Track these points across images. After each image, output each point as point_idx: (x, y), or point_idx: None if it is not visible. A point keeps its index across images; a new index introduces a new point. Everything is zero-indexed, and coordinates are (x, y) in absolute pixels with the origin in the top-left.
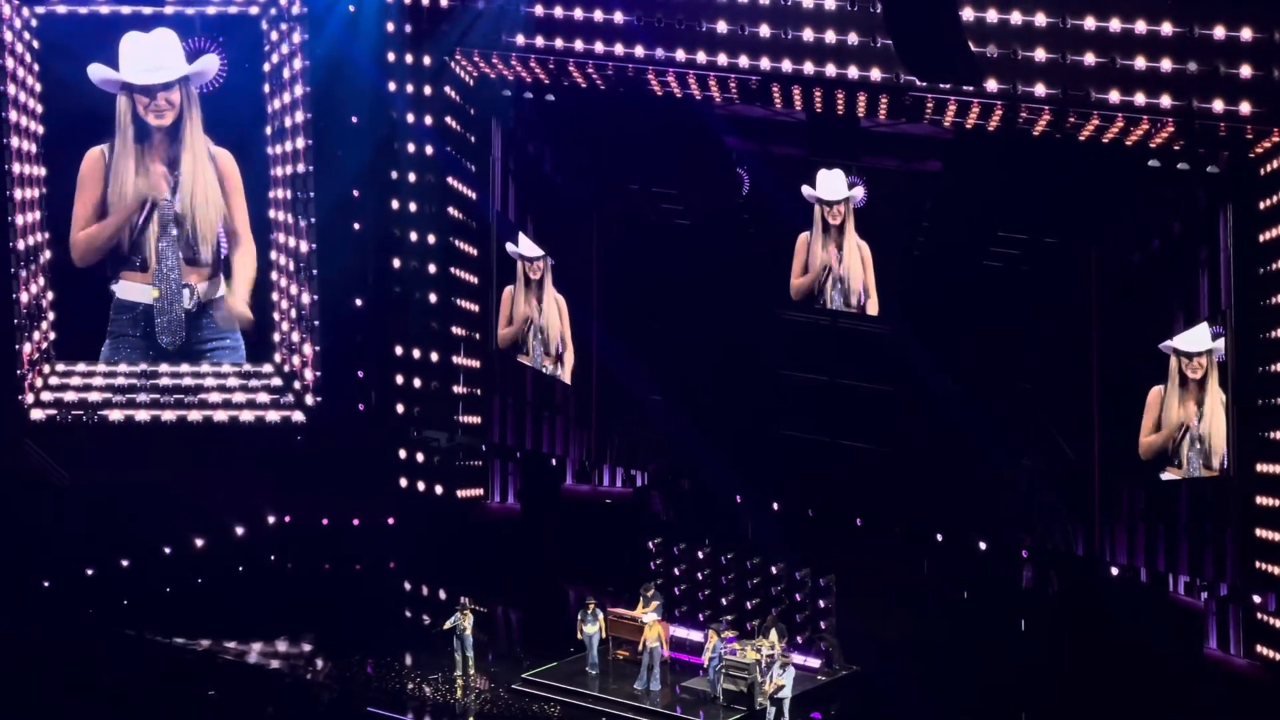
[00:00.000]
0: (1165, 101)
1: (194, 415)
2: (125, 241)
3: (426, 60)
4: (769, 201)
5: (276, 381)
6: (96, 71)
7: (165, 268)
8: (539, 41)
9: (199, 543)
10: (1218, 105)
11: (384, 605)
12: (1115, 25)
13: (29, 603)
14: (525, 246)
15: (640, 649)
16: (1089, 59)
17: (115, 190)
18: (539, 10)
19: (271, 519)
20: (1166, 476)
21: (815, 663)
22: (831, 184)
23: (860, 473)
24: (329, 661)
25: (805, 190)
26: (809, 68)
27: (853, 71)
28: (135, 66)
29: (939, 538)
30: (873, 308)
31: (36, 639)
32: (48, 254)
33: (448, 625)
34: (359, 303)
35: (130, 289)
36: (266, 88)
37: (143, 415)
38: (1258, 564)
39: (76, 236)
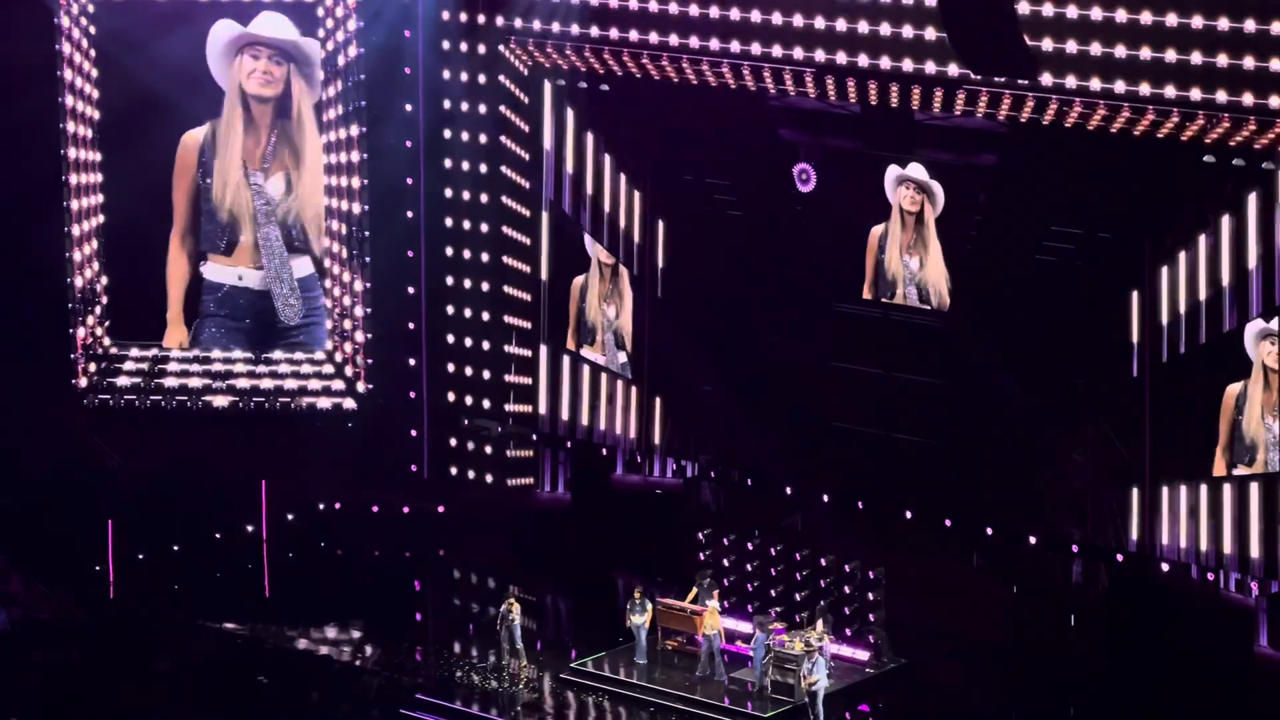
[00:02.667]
0: (1221, 96)
1: (245, 401)
2: (216, 218)
3: (481, 49)
4: (823, 193)
5: (328, 369)
6: (220, 30)
7: (269, 250)
8: (594, 31)
9: (249, 528)
10: (1274, 100)
11: (433, 593)
12: (1171, 20)
13: (80, 586)
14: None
15: (698, 638)
16: (1145, 53)
17: (217, 170)
18: (595, 0)
19: (322, 505)
20: (1239, 473)
21: (864, 655)
22: (915, 169)
23: (911, 466)
24: (378, 648)
25: (892, 171)
26: (864, 60)
27: (908, 64)
28: (261, 26)
29: (989, 531)
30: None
31: (88, 622)
32: (102, 239)
33: (499, 613)
34: (411, 290)
35: (217, 270)
36: (321, 75)
37: (195, 400)
38: None
39: (172, 241)
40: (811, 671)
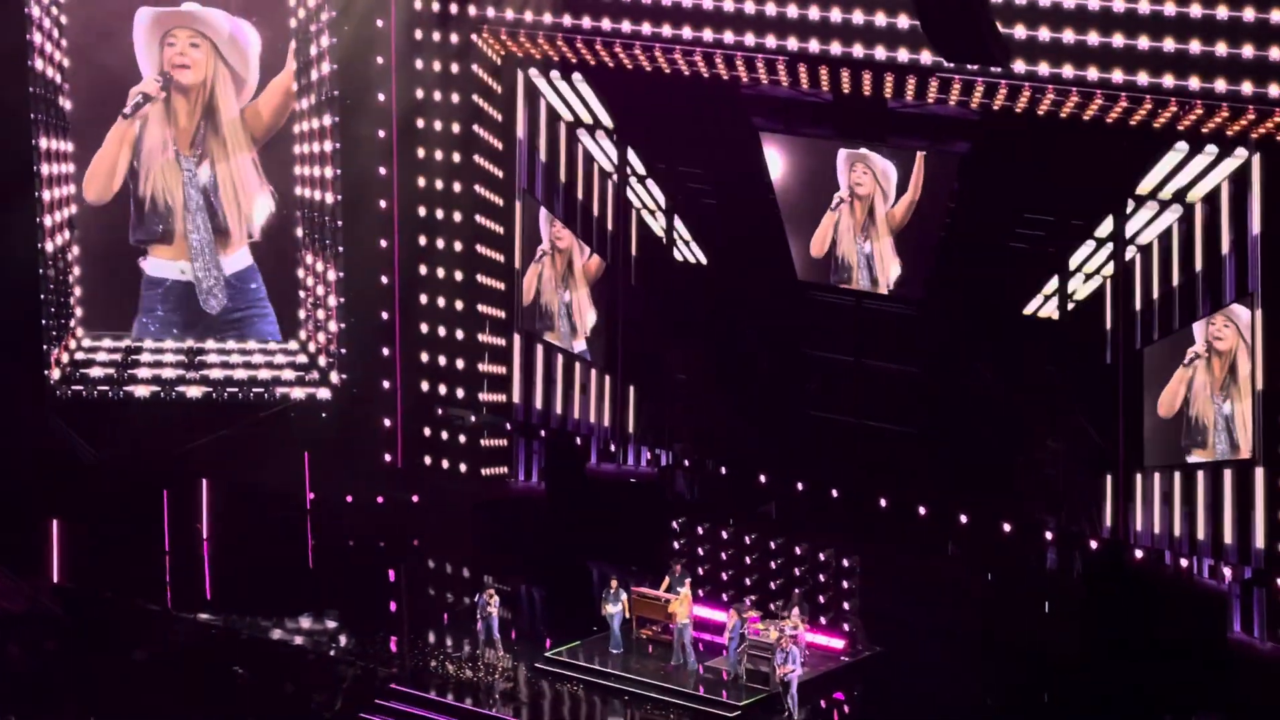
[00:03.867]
0: (1193, 84)
1: (219, 392)
2: (148, 206)
3: (454, 38)
4: (795, 180)
5: (302, 358)
6: (142, 15)
7: (197, 237)
8: (567, 20)
9: (224, 518)
10: (1246, 87)
11: (408, 582)
12: (1144, 7)
13: (57, 577)
14: (547, 216)
15: (671, 627)
16: (1117, 40)
17: (143, 158)
18: None
19: (295, 494)
20: (1194, 459)
21: (839, 643)
22: (861, 152)
23: (885, 454)
24: (353, 638)
25: (842, 153)
26: (836, 48)
27: (880, 52)
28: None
29: (963, 519)
30: (908, 289)
31: (64, 615)
32: (75, 230)
33: (477, 603)
34: (385, 280)
35: (158, 265)
36: (294, 65)
37: (169, 391)
38: None
39: (86, 177)
40: (785, 661)
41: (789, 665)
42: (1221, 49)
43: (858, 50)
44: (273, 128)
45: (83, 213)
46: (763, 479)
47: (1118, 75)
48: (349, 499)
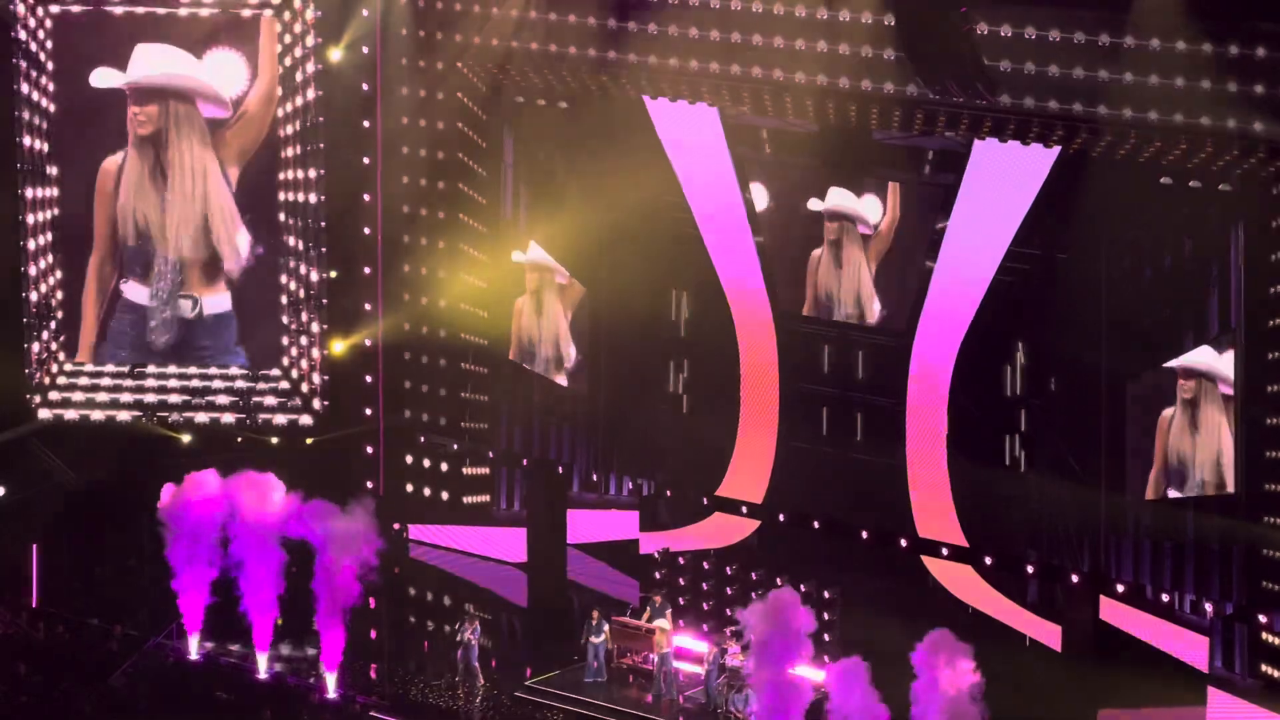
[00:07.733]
0: (1178, 118)
1: (201, 417)
2: (132, 245)
3: (439, 65)
4: (781, 212)
5: (284, 385)
6: (101, 78)
7: (158, 273)
8: (551, 48)
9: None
10: (1231, 123)
11: (389, 611)
12: (1129, 41)
13: (35, 602)
14: (534, 253)
15: (651, 657)
16: (1103, 74)
17: (129, 201)
18: (552, 16)
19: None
20: (1174, 495)
21: (818, 675)
22: (837, 196)
23: (867, 485)
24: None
25: (812, 203)
26: (822, 79)
27: (866, 84)
28: (134, 68)
29: (944, 552)
30: (871, 316)
31: (43, 639)
32: (58, 253)
33: (457, 631)
34: (368, 306)
35: (137, 290)
36: (278, 91)
37: (150, 415)
38: (1264, 583)
39: (91, 265)
40: (742, 705)
41: (743, 709)
42: (1206, 83)
43: (844, 82)
44: (247, 151)
45: (66, 238)
46: (744, 509)
47: (1102, 109)
48: None
